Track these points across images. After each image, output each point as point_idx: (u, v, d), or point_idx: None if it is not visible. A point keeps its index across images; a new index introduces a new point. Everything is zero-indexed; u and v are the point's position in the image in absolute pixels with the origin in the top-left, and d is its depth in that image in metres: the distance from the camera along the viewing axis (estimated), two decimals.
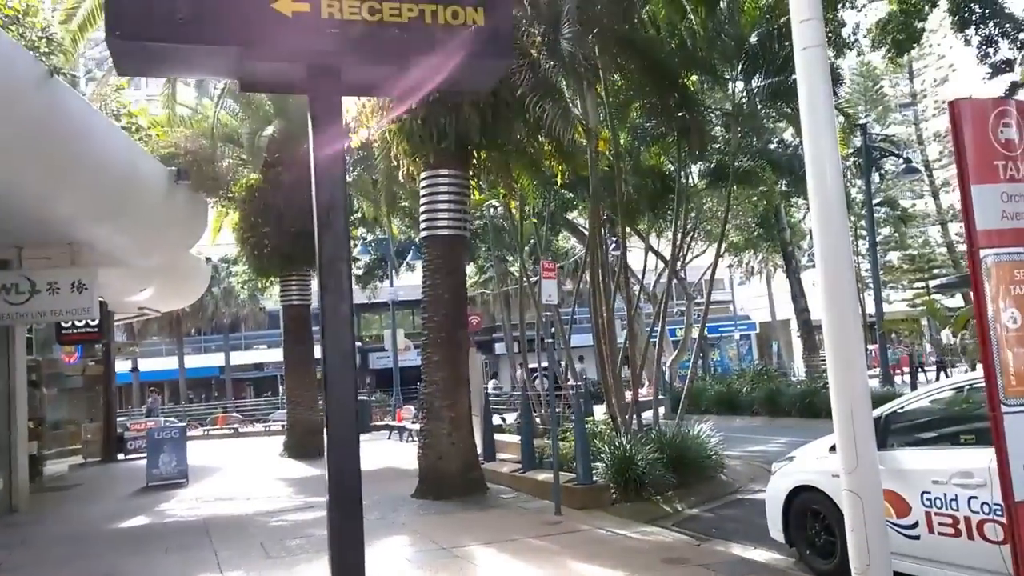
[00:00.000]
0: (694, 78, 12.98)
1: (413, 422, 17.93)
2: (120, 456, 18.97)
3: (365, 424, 21.14)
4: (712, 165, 14.94)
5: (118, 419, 20.88)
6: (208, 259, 21.40)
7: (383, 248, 28.11)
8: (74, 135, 8.47)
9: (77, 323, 15.55)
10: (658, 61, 10.92)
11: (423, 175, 10.50)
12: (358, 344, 44.03)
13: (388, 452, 16.81)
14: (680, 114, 11.28)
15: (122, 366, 35.44)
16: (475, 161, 10.83)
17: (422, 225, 10.67)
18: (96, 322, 15.71)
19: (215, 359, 44.75)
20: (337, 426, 2.97)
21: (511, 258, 23.22)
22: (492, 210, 17.50)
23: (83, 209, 9.62)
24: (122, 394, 34.46)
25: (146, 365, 40.06)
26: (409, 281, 30.21)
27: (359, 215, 20.75)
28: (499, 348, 39.54)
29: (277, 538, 8.14)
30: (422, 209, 10.62)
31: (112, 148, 9.79)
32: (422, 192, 10.57)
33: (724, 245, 18.37)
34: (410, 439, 17.93)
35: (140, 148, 11.41)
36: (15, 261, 10.75)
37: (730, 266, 37.51)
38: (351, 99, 10.10)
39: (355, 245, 24.79)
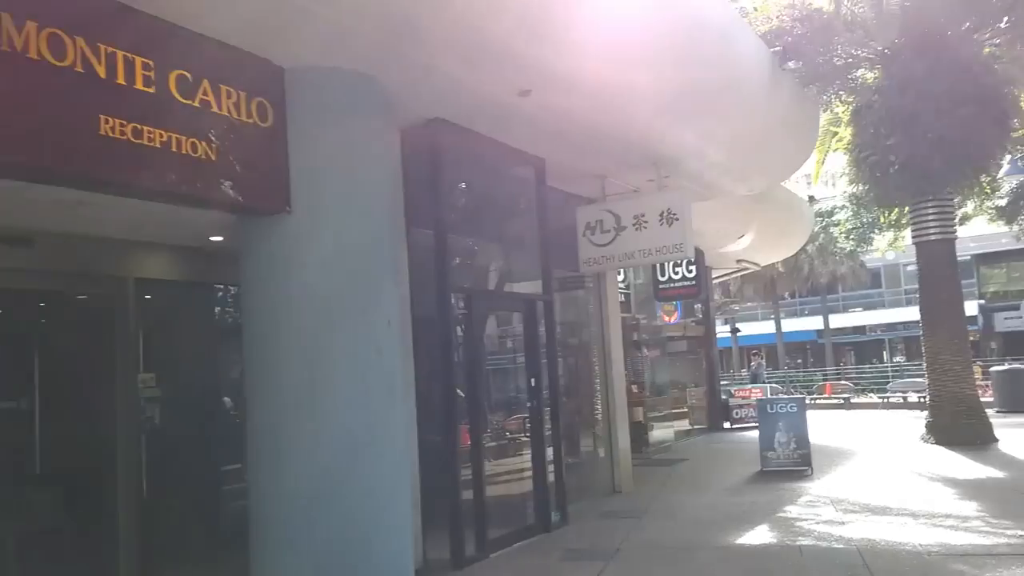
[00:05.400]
0: None
1: None
2: (726, 425, 17.62)
3: None
4: None
5: (721, 384, 19.53)
6: (811, 198, 17.91)
7: None
8: None
9: (673, 276, 13.82)
10: None
11: None
12: (980, 303, 35.29)
13: None
14: None
15: (720, 330, 34.99)
16: None
17: None
18: (693, 275, 13.77)
19: (811, 323, 41.87)
20: None
21: None
22: None
23: (666, 98, 6.93)
24: (722, 358, 33.91)
25: (742, 329, 39.08)
26: None
27: None
28: None
29: None
30: None
31: (702, 11, 6.91)
32: None
33: None
34: None
35: (736, 14, 8.36)
36: (599, 194, 8.93)
37: None
38: None
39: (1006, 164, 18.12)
